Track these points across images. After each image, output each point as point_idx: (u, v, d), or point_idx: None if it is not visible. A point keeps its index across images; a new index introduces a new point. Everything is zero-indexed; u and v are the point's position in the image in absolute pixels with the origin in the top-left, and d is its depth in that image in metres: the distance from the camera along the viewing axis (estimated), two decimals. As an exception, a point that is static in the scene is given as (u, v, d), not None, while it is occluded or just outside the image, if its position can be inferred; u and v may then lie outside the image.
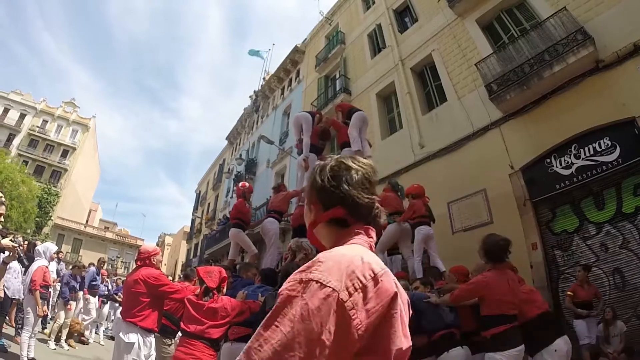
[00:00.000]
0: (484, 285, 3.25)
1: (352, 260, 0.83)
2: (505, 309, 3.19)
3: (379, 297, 0.81)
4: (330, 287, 0.77)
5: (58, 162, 38.16)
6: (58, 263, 7.86)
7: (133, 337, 3.60)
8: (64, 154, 39.02)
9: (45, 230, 32.98)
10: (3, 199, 3.63)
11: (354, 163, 1.04)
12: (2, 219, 3.12)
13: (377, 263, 0.87)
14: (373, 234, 1.02)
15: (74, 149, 39.68)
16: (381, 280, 0.83)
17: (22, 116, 37.47)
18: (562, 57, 6.86)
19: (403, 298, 0.89)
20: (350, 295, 0.77)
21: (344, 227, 1.02)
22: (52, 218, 34.52)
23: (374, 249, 0.99)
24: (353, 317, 0.76)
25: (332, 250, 0.90)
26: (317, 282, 0.78)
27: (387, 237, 5.79)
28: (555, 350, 3.36)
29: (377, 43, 13.54)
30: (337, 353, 0.75)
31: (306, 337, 0.73)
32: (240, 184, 6.93)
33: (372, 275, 0.82)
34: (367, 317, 0.79)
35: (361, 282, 0.80)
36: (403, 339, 0.86)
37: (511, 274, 3.43)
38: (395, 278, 0.89)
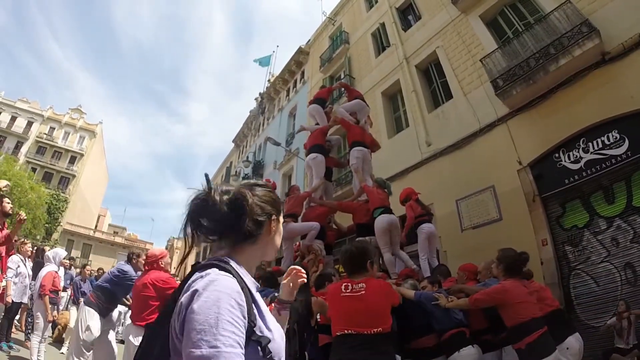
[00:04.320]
0: (503, 290, 3.20)
1: None
2: (532, 311, 3.12)
3: None
4: None
5: (66, 169, 38.61)
6: (65, 272, 7.70)
7: (143, 341, 3.60)
8: (72, 160, 39.47)
9: (55, 236, 33.33)
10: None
11: None
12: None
13: None
14: None
15: (82, 155, 40.13)
16: None
17: (30, 124, 37.98)
18: (568, 50, 6.79)
19: None
20: None
21: None
22: (61, 224, 34.86)
23: None
24: None
25: None
26: None
27: (379, 232, 5.51)
28: (567, 348, 3.32)
29: (381, 42, 13.49)
30: None
31: None
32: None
33: None
34: None
35: None
36: None
37: (523, 281, 3.47)
38: None
